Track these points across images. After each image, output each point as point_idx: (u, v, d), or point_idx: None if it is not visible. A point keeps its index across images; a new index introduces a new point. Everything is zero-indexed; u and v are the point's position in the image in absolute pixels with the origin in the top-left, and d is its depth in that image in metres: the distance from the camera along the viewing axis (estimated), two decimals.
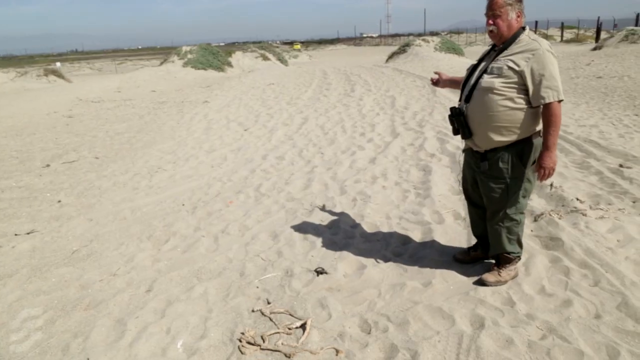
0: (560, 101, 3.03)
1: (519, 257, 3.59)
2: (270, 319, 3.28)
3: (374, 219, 4.91)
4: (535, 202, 5.00)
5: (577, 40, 42.49)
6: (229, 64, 32.83)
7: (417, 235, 4.48)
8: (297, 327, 3.17)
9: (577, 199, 4.91)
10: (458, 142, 7.73)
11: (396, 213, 5.04)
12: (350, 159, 7.32)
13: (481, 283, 3.51)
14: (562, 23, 52.82)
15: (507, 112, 3.10)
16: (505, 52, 3.13)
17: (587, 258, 3.73)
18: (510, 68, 3.05)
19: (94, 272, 4.14)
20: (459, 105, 3.37)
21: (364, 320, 3.21)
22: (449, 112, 3.41)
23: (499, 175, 3.28)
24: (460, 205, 5.09)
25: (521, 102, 3.09)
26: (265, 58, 38.58)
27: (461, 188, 3.91)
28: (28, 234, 5.11)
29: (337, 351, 2.91)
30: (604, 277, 3.46)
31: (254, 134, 9.87)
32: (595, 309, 3.14)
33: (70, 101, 17.12)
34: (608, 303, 3.18)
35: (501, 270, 3.52)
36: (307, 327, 3.13)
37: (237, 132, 10.10)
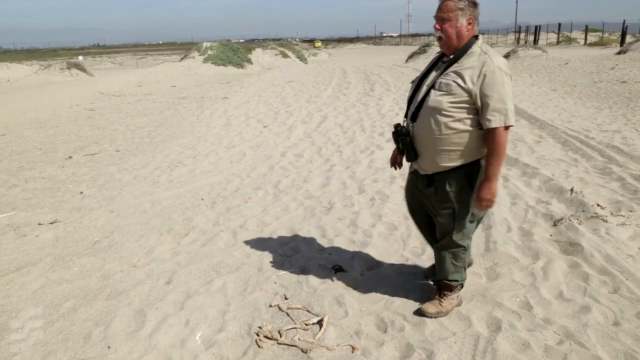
0: (507, 127, 2.75)
1: (461, 285, 3.33)
2: (288, 315, 3.31)
3: (392, 218, 4.92)
4: (554, 206, 4.97)
5: (601, 43, 41.78)
6: (249, 61, 32.98)
7: None
8: (314, 323, 3.20)
9: (598, 205, 4.87)
10: None
11: None
12: (369, 158, 7.33)
13: (420, 314, 3.24)
14: (586, 26, 51.91)
15: (456, 135, 2.82)
16: (455, 66, 2.81)
17: (607, 264, 3.71)
18: (459, 85, 2.75)
19: (115, 263, 4.22)
20: (405, 123, 3.08)
21: (380, 318, 3.23)
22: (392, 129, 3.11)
23: (446, 199, 3.00)
24: None
25: (471, 124, 2.81)
26: (285, 55, 38.67)
27: (408, 211, 3.55)
28: (51, 223, 5.21)
29: (354, 348, 2.93)
30: (623, 284, 3.43)
31: (273, 131, 9.92)
32: (614, 316, 3.12)
33: (92, 94, 17.35)
34: (627, 311, 3.16)
35: (442, 300, 3.25)
36: (324, 323, 3.15)
37: (256, 129, 10.16)
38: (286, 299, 3.52)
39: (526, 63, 22.92)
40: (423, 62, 27.26)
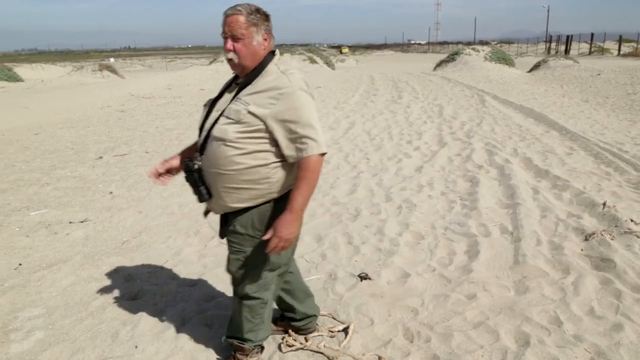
0: (322, 155, 2.34)
1: (260, 348, 2.87)
2: None
3: (419, 227, 4.88)
4: (586, 220, 4.86)
5: (635, 54, 40.87)
6: None
7: (462, 247, 4.43)
8: (339, 331, 3.18)
9: (632, 220, 4.74)
10: (508, 154, 7.61)
11: (442, 223, 4.99)
12: (397, 166, 7.29)
13: None
14: (620, 36, 50.92)
15: (246, 171, 2.36)
16: (249, 88, 2.36)
17: None
18: (250, 113, 2.28)
19: (143, 263, 4.27)
20: (195, 157, 2.51)
21: (407, 328, 3.20)
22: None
23: (237, 243, 2.56)
24: (507, 219, 5.00)
25: (266, 158, 2.36)
26: (313, 61, 38.78)
27: None
28: (82, 222, 5.31)
29: (380, 357, 2.91)
30: None
31: None
32: None
33: (123, 96, 17.67)
34: None
35: None
36: (350, 331, 3.14)
37: None
38: None
39: (557, 73, 22.58)
40: (451, 71, 27.10)
